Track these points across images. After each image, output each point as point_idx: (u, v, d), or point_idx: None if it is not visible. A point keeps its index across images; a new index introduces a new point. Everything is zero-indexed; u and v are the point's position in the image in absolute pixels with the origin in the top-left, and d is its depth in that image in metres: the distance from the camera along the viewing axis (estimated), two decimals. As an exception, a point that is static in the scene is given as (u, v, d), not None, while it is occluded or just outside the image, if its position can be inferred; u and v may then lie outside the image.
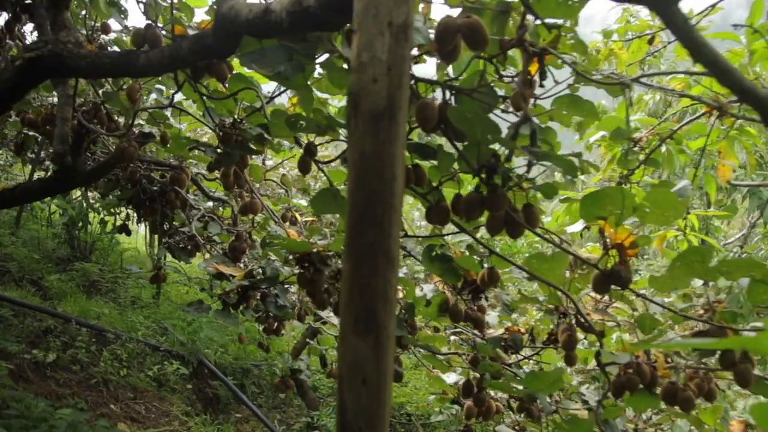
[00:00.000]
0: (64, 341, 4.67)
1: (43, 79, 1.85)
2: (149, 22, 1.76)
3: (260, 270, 2.57)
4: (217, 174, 3.00)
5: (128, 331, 5.26)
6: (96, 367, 4.58)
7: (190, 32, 1.63)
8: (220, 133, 1.91)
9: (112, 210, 7.21)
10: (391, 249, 0.94)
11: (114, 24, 2.89)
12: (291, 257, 1.94)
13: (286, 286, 2.60)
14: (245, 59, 1.34)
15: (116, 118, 2.81)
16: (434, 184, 1.47)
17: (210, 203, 3.27)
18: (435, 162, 1.45)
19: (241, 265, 2.89)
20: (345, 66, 1.42)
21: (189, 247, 3.02)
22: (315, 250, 1.79)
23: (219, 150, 1.90)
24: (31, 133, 3.78)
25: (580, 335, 2.09)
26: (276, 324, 3.14)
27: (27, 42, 3.95)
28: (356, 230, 0.92)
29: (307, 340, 4.72)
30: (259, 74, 1.57)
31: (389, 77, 0.89)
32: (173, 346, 5.38)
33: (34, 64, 1.74)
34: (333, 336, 3.36)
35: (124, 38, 2.41)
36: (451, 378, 2.31)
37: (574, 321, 1.64)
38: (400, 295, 1.99)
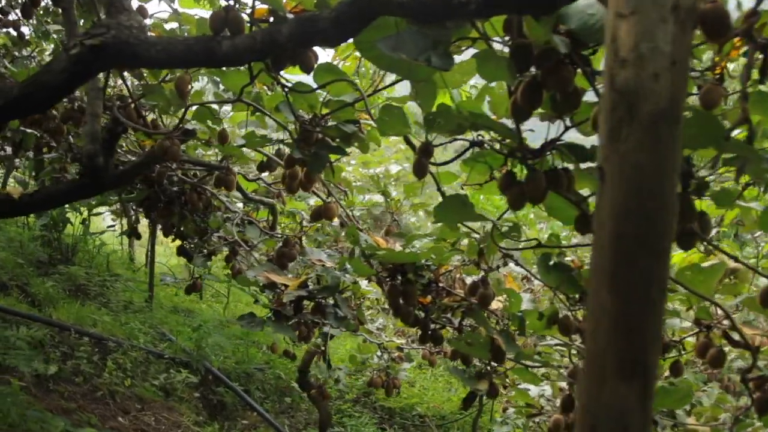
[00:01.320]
0: (64, 351, 4.36)
1: (102, 69, 1.60)
2: (230, 3, 1.54)
3: (315, 278, 2.37)
4: (260, 174, 2.77)
5: (128, 339, 4.96)
6: (100, 378, 4.29)
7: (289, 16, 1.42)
8: (301, 131, 1.71)
9: (93, 210, 6.83)
10: (666, 280, 0.78)
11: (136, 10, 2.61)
12: (381, 269, 1.76)
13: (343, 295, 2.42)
14: (383, 44, 1.14)
15: (145, 114, 2.55)
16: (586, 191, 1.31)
17: (240, 205, 3.04)
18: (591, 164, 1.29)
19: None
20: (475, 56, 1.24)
21: (225, 252, 2.78)
22: (423, 261, 1.61)
23: (301, 150, 1.69)
24: (29, 131, 3.45)
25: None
26: (307, 331, 2.96)
27: (23, 31, 3.61)
28: (626, 258, 0.75)
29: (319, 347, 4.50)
30: (373, 61, 1.38)
31: (672, 73, 0.72)
32: (176, 353, 5.11)
33: (96, 53, 1.50)
34: (374, 343, 3.18)
35: (168, 25, 2.15)
36: (533, 391, 2.17)
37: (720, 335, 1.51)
38: (499, 305, 1.83)
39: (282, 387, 5.99)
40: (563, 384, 2.24)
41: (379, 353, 3.18)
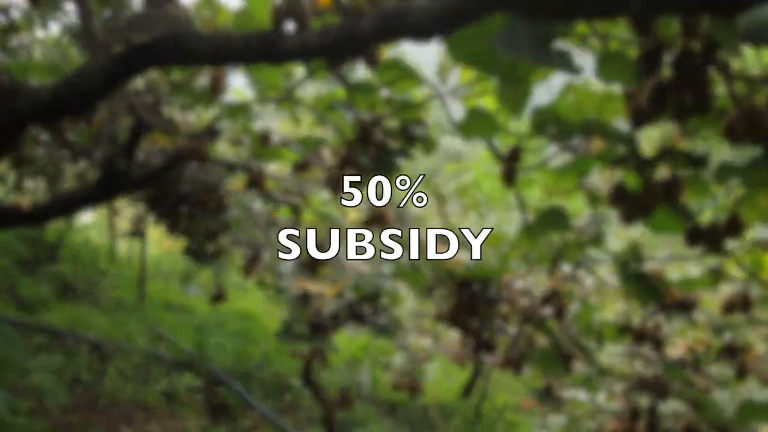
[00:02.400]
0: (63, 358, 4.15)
1: (146, 68, 1.44)
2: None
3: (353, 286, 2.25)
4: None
5: (127, 342, 4.77)
6: (101, 386, 4.10)
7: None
8: (360, 132, 1.58)
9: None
10: None
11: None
12: (439, 279, 1.65)
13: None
14: (500, 41, 1.02)
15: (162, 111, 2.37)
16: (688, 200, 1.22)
17: (258, 204, 2.88)
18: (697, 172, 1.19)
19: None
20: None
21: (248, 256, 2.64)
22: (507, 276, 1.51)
23: (362, 154, 1.56)
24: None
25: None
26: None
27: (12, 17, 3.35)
28: None
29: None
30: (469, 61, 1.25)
31: None
32: (176, 355, 4.92)
33: (142, 50, 1.34)
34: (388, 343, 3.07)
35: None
36: (583, 396, 2.10)
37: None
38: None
39: (281, 384, 5.85)
40: (616, 388, 2.17)
41: (402, 355, 3.07)
